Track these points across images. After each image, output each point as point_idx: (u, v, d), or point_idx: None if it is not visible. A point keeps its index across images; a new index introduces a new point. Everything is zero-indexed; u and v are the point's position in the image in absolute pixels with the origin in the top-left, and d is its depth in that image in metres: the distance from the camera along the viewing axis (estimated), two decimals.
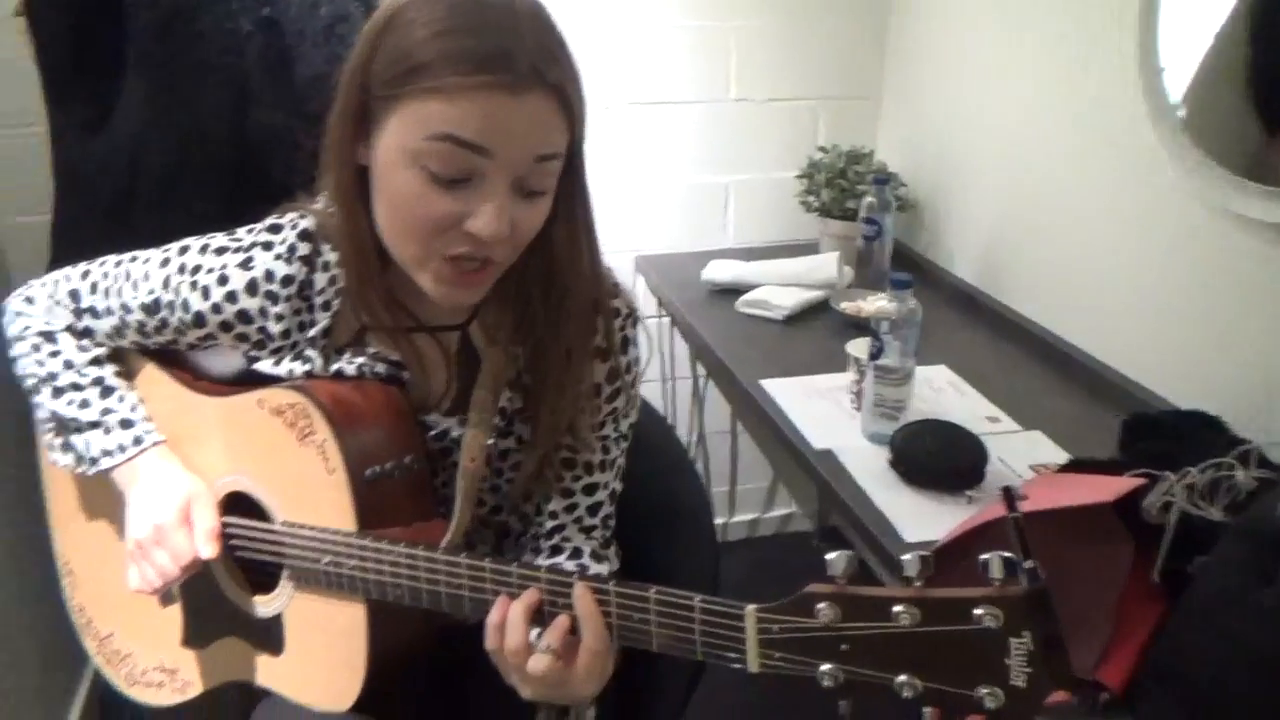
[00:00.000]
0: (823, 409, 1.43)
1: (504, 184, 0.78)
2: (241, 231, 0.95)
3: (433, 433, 0.97)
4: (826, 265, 1.80)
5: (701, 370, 2.21)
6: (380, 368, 0.94)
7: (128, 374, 1.02)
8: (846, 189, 1.90)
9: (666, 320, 2.08)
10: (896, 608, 0.63)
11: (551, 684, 0.79)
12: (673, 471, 1.25)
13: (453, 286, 0.83)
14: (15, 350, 0.99)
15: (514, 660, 0.79)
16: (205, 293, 0.92)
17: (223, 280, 0.91)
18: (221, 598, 1.00)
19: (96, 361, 0.99)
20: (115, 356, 1.01)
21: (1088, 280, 1.55)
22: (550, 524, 1.01)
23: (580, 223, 0.89)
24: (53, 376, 0.98)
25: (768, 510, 2.45)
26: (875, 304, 1.68)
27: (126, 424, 0.97)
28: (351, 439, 0.89)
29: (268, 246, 0.92)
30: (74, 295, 0.98)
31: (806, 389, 1.49)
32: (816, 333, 1.70)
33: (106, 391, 0.98)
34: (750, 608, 0.70)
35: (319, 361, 0.93)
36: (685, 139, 2.01)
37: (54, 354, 0.98)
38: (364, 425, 0.91)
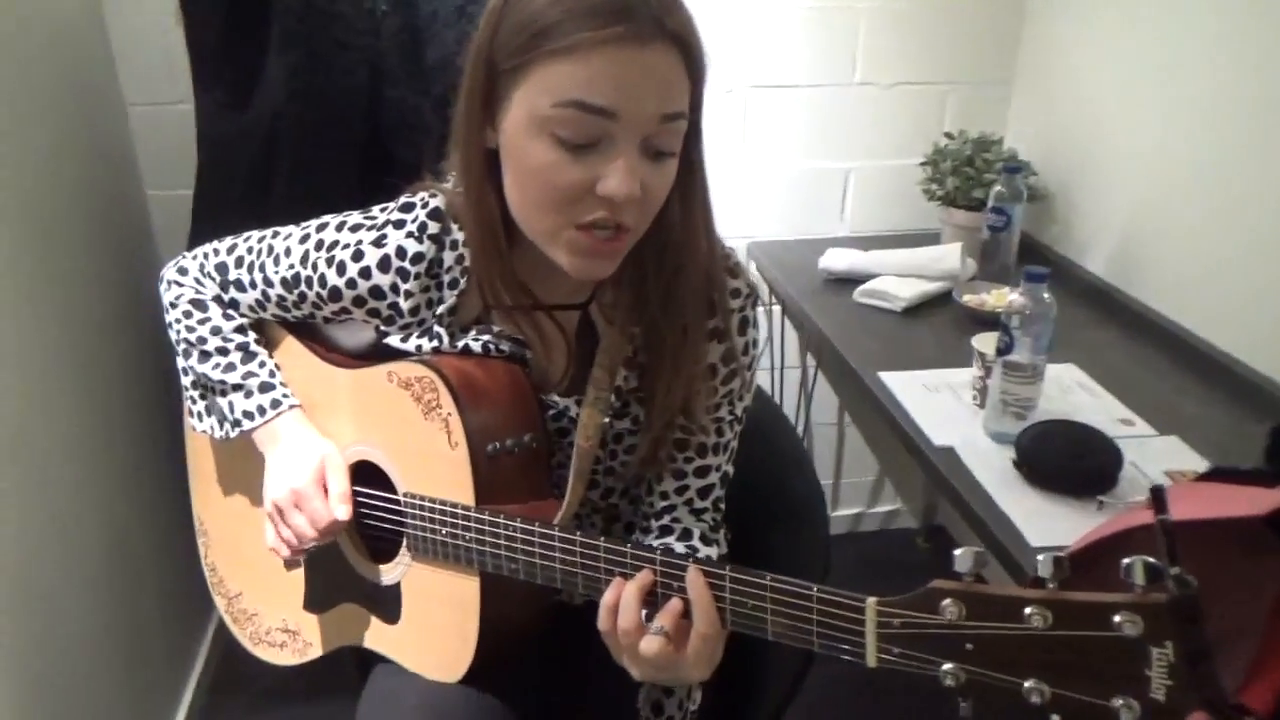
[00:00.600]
0: (943, 404, 1.38)
1: (632, 144, 0.78)
2: (376, 210, 0.97)
3: (551, 412, 0.97)
4: (949, 256, 1.74)
5: (811, 361, 2.18)
6: (505, 345, 0.95)
7: (268, 344, 1.06)
8: (973, 177, 1.83)
9: (778, 309, 2.05)
10: (1028, 609, 0.60)
11: (661, 666, 0.79)
12: (787, 462, 1.24)
13: (588, 258, 0.83)
14: (170, 316, 1.05)
15: (625, 641, 0.79)
16: (341, 268, 0.94)
17: (357, 256, 0.94)
18: (344, 564, 1.03)
19: (241, 330, 1.03)
20: (257, 327, 1.05)
21: (1233, 277, 1.45)
22: (661, 504, 1.01)
23: (697, 198, 0.88)
24: (202, 341, 1.02)
25: (872, 505, 2.40)
26: (1002, 297, 1.62)
27: (266, 387, 1.01)
28: (474, 415, 0.91)
29: (400, 225, 0.94)
30: (221, 268, 1.02)
31: (926, 383, 1.44)
32: (936, 326, 1.65)
33: (249, 357, 1.02)
34: (871, 600, 0.68)
35: (445, 338, 0.95)
36: (805, 123, 1.97)
37: (203, 321, 1.03)
38: (487, 402, 0.92)
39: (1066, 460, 1.15)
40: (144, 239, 1.83)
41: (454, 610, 0.94)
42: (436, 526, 0.93)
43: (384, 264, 0.93)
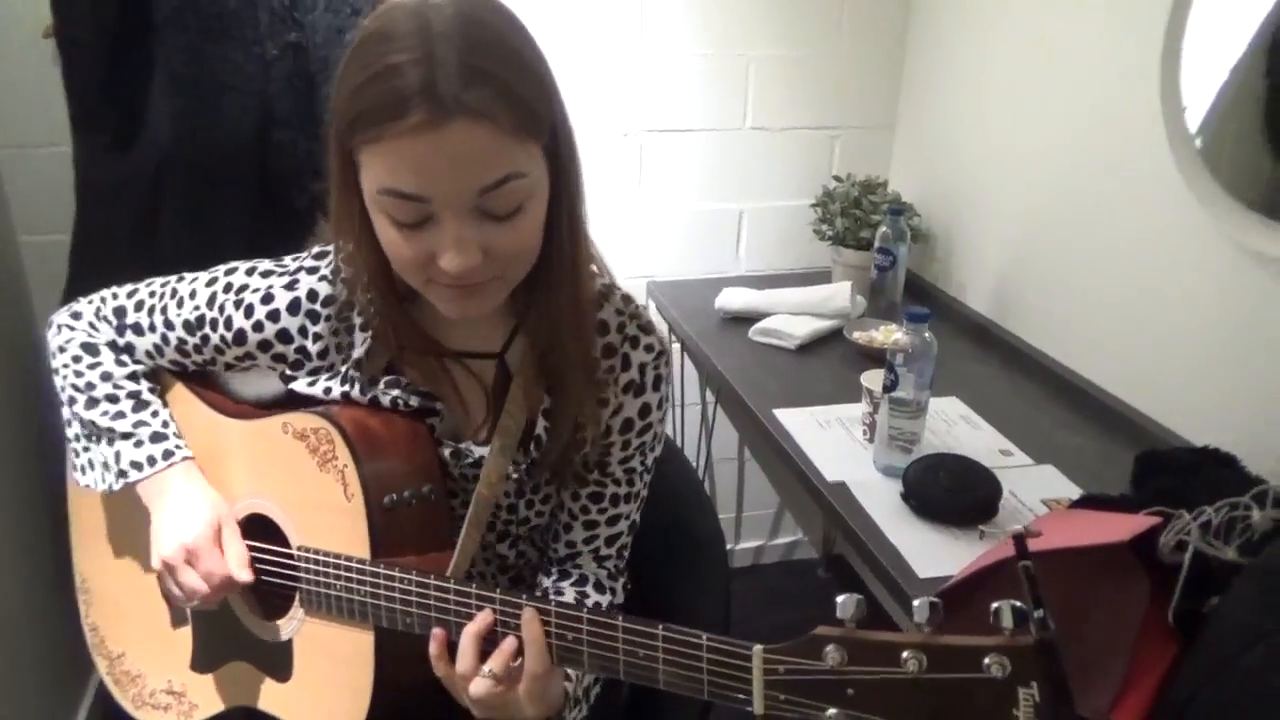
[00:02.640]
0: (835, 440, 1.43)
1: (457, 219, 0.76)
2: (288, 258, 0.97)
3: (469, 460, 0.97)
4: (840, 295, 1.80)
5: (710, 397, 2.21)
6: (414, 400, 0.94)
7: (161, 392, 1.03)
8: (860, 218, 1.91)
9: (677, 346, 2.08)
10: (905, 653, 0.63)
11: (494, 705, 0.81)
12: (689, 503, 1.26)
13: (458, 301, 0.83)
14: (57, 361, 1.01)
15: (461, 684, 0.82)
16: (249, 311, 0.93)
17: (267, 299, 0.93)
18: (233, 621, 1.00)
19: (133, 377, 1.00)
20: (152, 375, 1.02)
21: (1102, 314, 1.55)
22: (565, 551, 1.02)
23: (578, 236, 0.87)
24: (91, 386, 0.99)
25: (773, 538, 2.44)
26: (890, 334, 1.69)
27: (158, 437, 0.98)
28: (371, 466, 0.90)
29: (313, 270, 0.93)
30: (119, 312, 0.99)
31: (819, 419, 1.49)
32: (829, 362, 1.71)
33: (141, 405, 0.99)
34: (758, 648, 0.70)
35: (355, 388, 0.94)
36: (700, 166, 2.03)
37: (94, 365, 0.99)
38: (385, 453, 0.91)
39: (949, 493, 1.20)
40: (17, 286, 1.74)
41: (348, 667, 0.92)
42: (331, 580, 0.91)
43: (294, 307, 0.93)
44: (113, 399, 0.99)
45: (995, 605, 0.61)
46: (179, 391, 1.02)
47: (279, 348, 0.94)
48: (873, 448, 1.36)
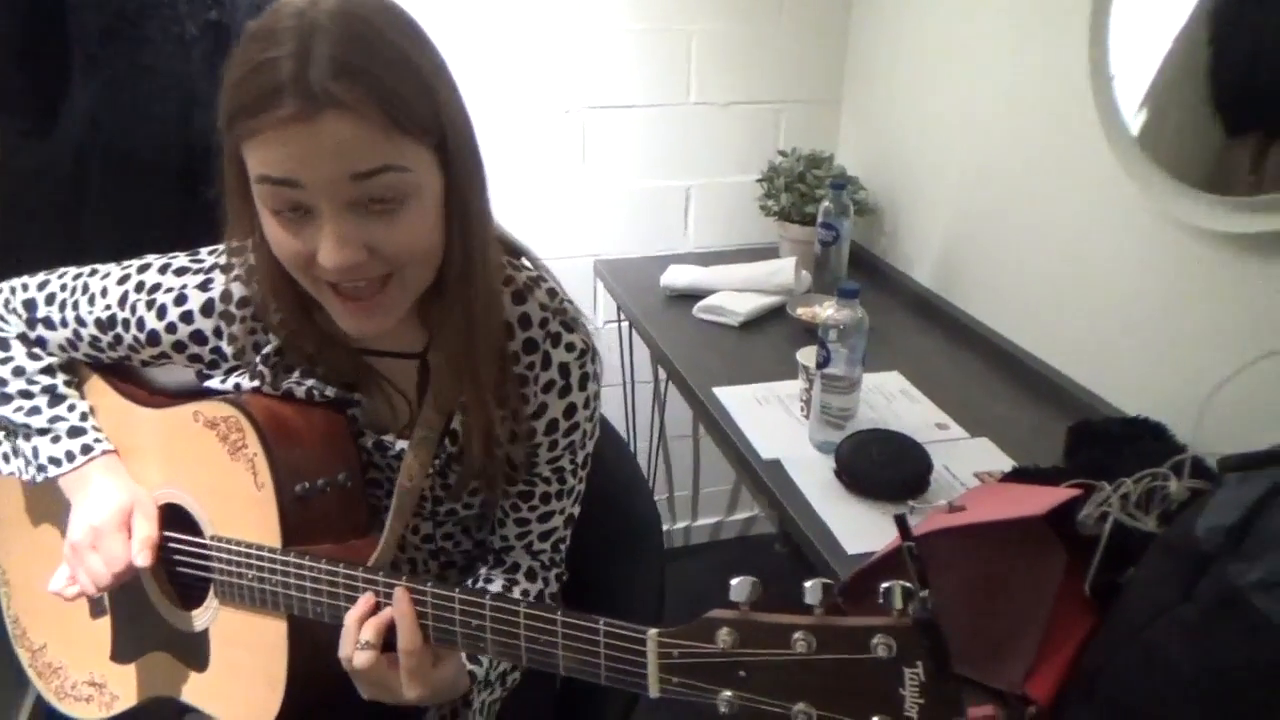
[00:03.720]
0: (774, 417, 1.42)
1: (333, 210, 0.75)
2: (204, 252, 0.94)
3: (391, 452, 0.96)
4: (784, 271, 1.80)
5: (663, 374, 2.21)
6: (330, 391, 0.93)
7: (78, 384, 1.01)
8: (805, 193, 1.90)
9: (626, 324, 2.08)
10: (796, 635, 0.63)
11: (375, 681, 0.81)
12: (627, 489, 1.26)
13: (355, 317, 0.81)
14: None
15: (345, 665, 0.82)
16: (161, 312, 0.91)
17: (180, 300, 0.91)
18: (151, 611, 0.99)
19: (48, 370, 0.98)
20: (67, 367, 1.00)
21: (1039, 285, 1.55)
22: (500, 544, 1.02)
23: (472, 230, 0.84)
24: (3, 383, 0.97)
25: (730, 514, 2.45)
26: (827, 311, 1.69)
27: (76, 431, 0.96)
28: (282, 454, 0.89)
29: (227, 268, 0.91)
30: (30, 305, 0.97)
31: (759, 396, 1.49)
32: (772, 339, 1.70)
33: (57, 400, 0.97)
34: (652, 632, 0.69)
35: (268, 378, 0.92)
36: (645, 143, 2.01)
37: (5, 360, 0.97)
38: (297, 441, 0.90)
39: (881, 469, 1.21)
40: None
41: (262, 656, 0.91)
42: (243, 570, 0.90)
43: (207, 308, 0.91)
44: (26, 394, 0.97)
45: (885, 586, 0.61)
46: (95, 383, 1.00)
47: (193, 348, 0.93)
48: (808, 424, 1.36)
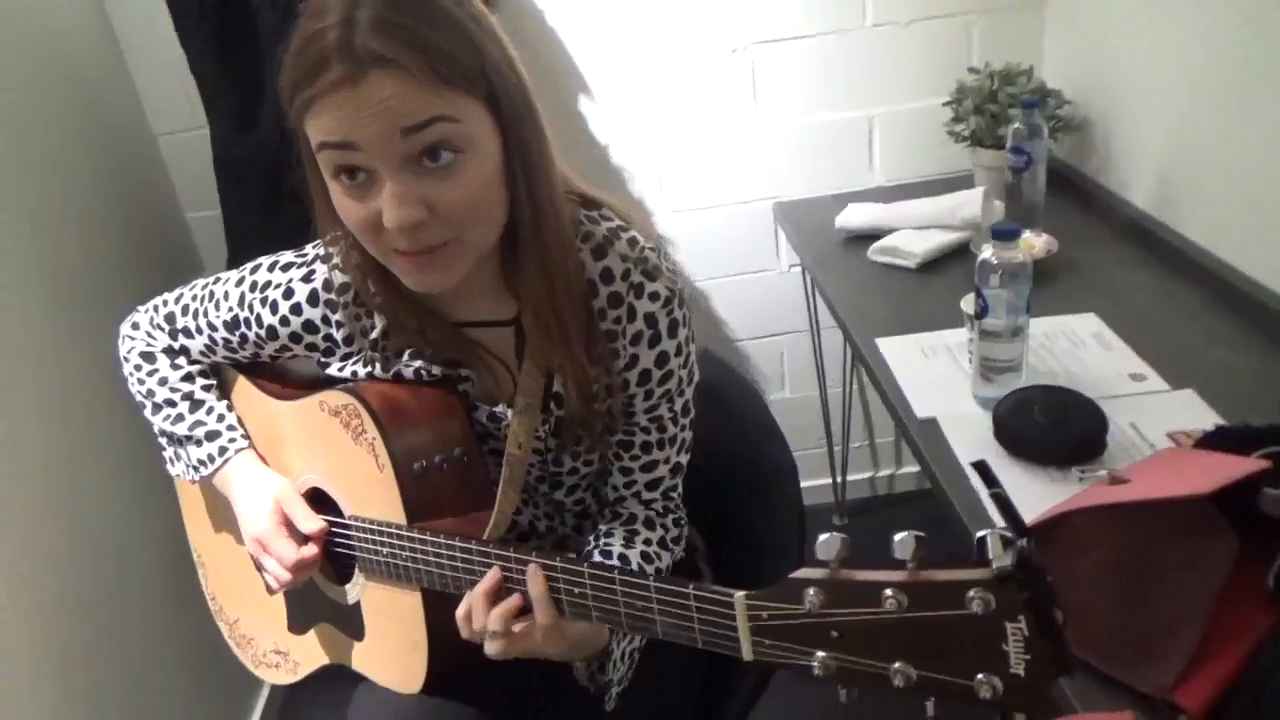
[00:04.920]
0: (938, 370, 1.32)
1: (390, 169, 0.77)
2: (309, 246, 1.00)
3: (505, 422, 0.98)
4: (969, 203, 1.64)
5: None
6: (436, 369, 0.97)
7: (222, 387, 1.11)
8: (998, 114, 1.71)
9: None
10: (886, 592, 0.59)
11: (519, 652, 0.85)
12: (758, 434, 1.22)
13: (419, 273, 0.84)
14: (125, 370, 1.11)
15: (478, 641, 0.86)
16: (274, 307, 0.99)
17: (288, 294, 0.98)
18: (313, 587, 1.08)
19: (189, 378, 1.09)
20: (212, 371, 1.11)
21: (1277, 207, 1.31)
22: (612, 495, 1.04)
23: (538, 178, 0.85)
24: (151, 394, 1.09)
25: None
26: (1028, 244, 1.52)
27: (213, 435, 1.06)
28: (397, 436, 0.93)
29: (327, 259, 0.96)
30: (170, 318, 1.07)
31: (926, 347, 1.38)
32: (952, 281, 1.57)
33: (195, 406, 1.08)
34: (739, 595, 0.69)
35: (379, 365, 0.98)
36: (819, 74, 1.89)
37: (152, 373, 1.09)
38: (411, 422, 0.94)
39: (1042, 429, 1.08)
40: (189, 260, 1.94)
41: (404, 624, 0.97)
42: (377, 547, 0.96)
43: (313, 299, 0.97)
44: (170, 403, 1.08)
45: (980, 534, 0.57)
46: (240, 383, 1.10)
47: (308, 338, 0.99)
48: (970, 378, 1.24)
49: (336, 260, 0.94)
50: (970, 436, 1.16)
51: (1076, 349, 1.31)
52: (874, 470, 2.35)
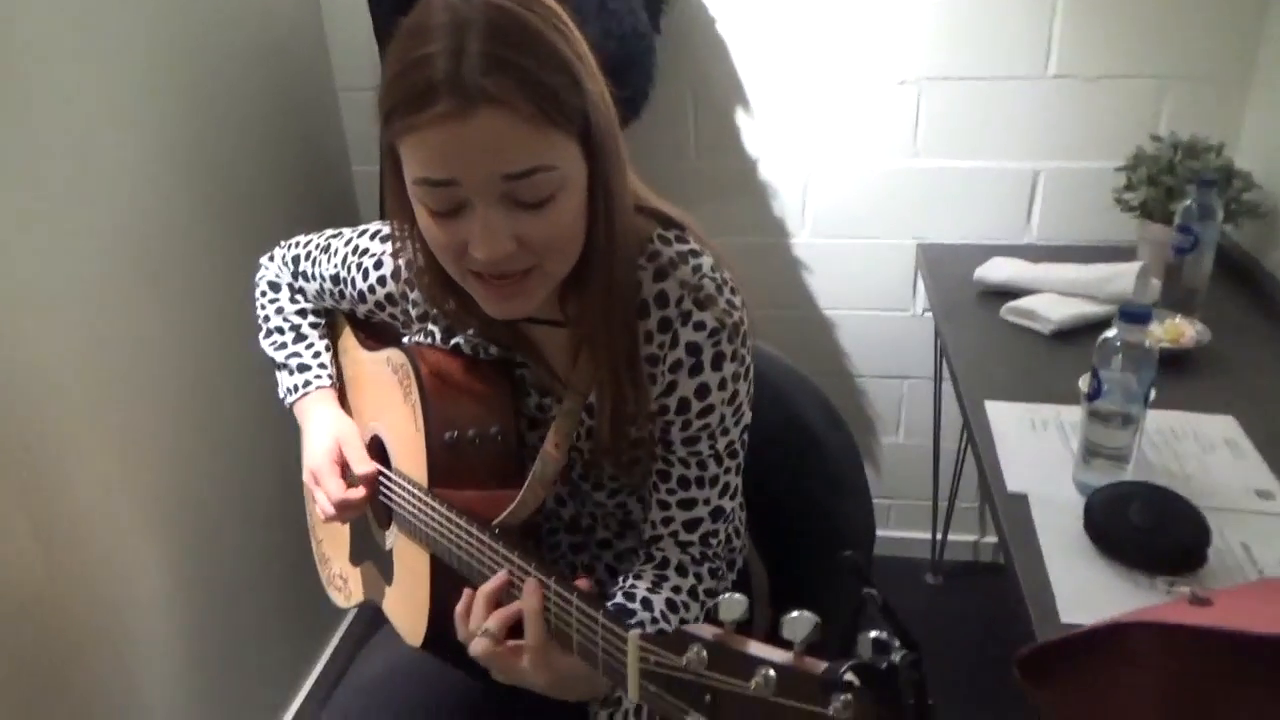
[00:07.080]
0: (1044, 446, 1.23)
1: (489, 205, 0.77)
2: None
3: (552, 414, 0.98)
4: (1123, 277, 1.53)
5: None
6: (493, 349, 0.98)
7: (332, 328, 1.17)
8: (1174, 188, 1.59)
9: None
10: (760, 669, 0.56)
11: (501, 670, 0.81)
12: (839, 487, 1.18)
13: (497, 301, 0.84)
14: (255, 294, 1.18)
15: (467, 640, 0.83)
16: (365, 274, 1.03)
17: (378, 265, 1.02)
18: (366, 525, 1.13)
19: (301, 313, 1.15)
20: (323, 312, 1.17)
21: None
22: (650, 532, 1.00)
23: (614, 220, 0.84)
24: (267, 319, 1.16)
25: None
26: (1173, 331, 1.42)
27: (303, 368, 1.12)
28: (436, 403, 0.95)
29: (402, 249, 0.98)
30: (295, 260, 1.14)
31: (1039, 419, 1.29)
32: (1087, 355, 1.46)
33: (299, 338, 1.14)
34: (634, 633, 0.67)
35: (439, 335, 1.00)
36: (989, 119, 1.81)
37: (273, 301, 1.16)
38: (454, 393, 0.96)
39: (1135, 530, 1.00)
40: (349, 210, 2.06)
41: (416, 582, 0.99)
42: (403, 502, 0.99)
43: (396, 274, 1.01)
44: (280, 330, 1.14)
45: (862, 635, 0.52)
46: (346, 330, 1.16)
47: (390, 308, 1.03)
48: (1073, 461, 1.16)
49: (404, 256, 0.94)
50: (1058, 521, 1.08)
51: (1204, 452, 1.20)
52: (979, 534, 2.23)
